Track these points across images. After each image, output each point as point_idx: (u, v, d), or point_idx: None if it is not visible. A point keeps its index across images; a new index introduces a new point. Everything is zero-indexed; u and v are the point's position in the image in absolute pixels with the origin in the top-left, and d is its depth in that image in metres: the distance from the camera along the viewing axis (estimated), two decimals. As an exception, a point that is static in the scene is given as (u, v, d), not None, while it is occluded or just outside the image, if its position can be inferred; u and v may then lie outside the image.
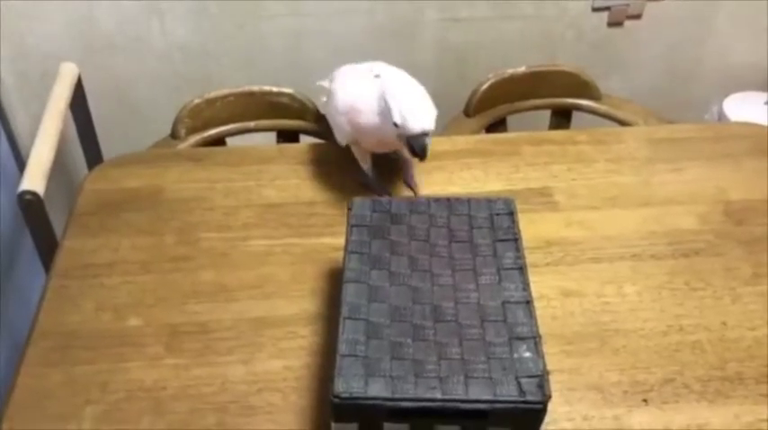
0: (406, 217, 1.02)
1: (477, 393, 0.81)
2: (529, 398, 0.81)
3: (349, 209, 1.03)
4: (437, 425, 0.83)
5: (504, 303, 0.91)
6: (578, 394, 0.97)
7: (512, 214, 1.02)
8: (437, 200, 1.04)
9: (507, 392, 0.81)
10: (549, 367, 0.83)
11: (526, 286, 0.93)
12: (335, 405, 0.81)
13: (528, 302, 0.90)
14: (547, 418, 0.84)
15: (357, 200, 1.04)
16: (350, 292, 0.91)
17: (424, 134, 1.08)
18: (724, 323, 1.06)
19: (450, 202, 1.04)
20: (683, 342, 1.03)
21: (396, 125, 1.08)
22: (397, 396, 0.81)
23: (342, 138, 1.24)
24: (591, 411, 0.95)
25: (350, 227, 1.00)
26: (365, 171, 1.27)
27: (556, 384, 0.83)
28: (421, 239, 0.99)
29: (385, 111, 1.10)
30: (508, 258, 0.96)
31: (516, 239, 0.98)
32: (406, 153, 1.14)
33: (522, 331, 0.87)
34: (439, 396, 0.81)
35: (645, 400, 0.96)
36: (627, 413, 0.95)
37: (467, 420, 0.82)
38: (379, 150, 1.24)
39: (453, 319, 0.89)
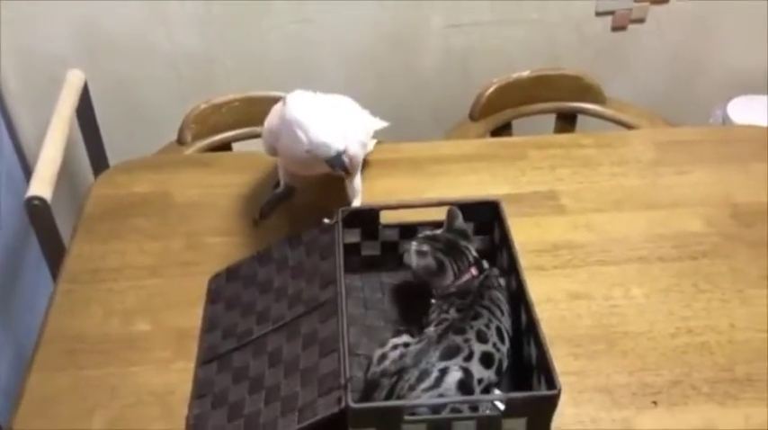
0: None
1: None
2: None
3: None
4: (454, 423, 0.82)
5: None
6: (586, 396, 0.97)
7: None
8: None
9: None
10: (557, 369, 0.83)
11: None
12: (353, 410, 0.80)
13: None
14: (555, 421, 0.84)
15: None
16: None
17: (339, 154, 1.07)
18: (732, 325, 1.05)
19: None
20: (692, 344, 1.03)
21: (308, 152, 1.08)
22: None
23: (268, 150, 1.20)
24: (599, 413, 0.95)
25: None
26: (280, 185, 1.24)
27: (564, 386, 0.83)
28: None
29: (296, 141, 1.07)
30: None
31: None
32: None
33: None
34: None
35: (654, 402, 0.96)
36: (636, 415, 0.95)
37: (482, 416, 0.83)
38: (305, 173, 1.19)
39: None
